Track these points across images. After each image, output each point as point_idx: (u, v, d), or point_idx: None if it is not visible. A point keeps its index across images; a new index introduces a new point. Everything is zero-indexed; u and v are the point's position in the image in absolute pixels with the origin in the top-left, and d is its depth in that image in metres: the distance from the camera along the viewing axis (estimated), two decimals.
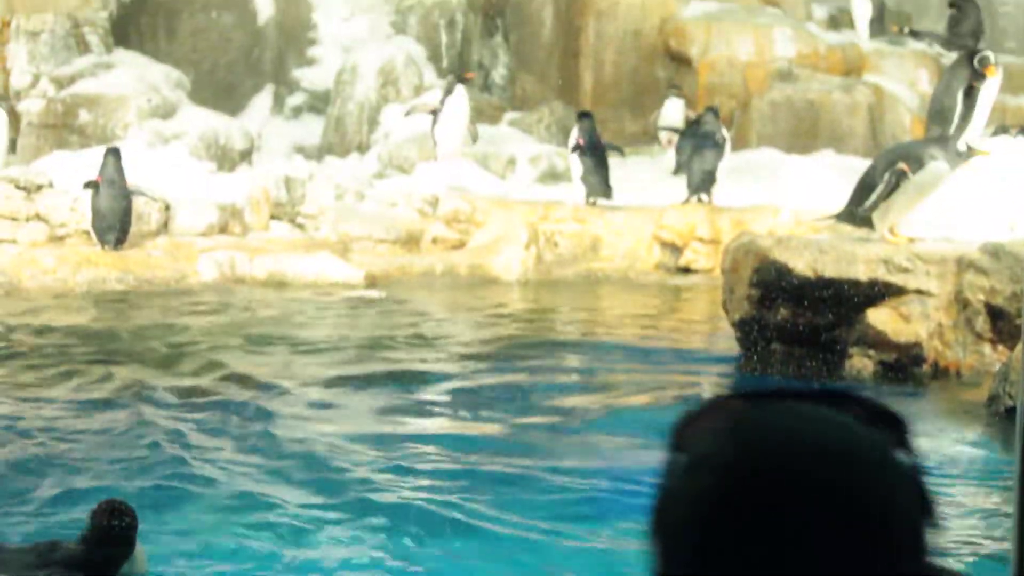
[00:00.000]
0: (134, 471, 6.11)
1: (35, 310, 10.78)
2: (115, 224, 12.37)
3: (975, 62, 9.88)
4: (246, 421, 7.17)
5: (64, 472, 6.10)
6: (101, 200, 12.38)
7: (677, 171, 14.24)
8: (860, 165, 15.12)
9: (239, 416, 7.26)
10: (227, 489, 5.89)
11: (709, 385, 8.53)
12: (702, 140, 13.71)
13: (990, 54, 10.03)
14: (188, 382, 8.13)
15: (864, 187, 8.83)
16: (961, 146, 8.61)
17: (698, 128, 14.31)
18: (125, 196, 12.44)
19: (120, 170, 12.62)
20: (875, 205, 8.59)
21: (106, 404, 7.52)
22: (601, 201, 13.62)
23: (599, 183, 13.57)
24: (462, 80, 14.93)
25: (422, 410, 7.61)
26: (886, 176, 8.56)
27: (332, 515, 5.55)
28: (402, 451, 6.59)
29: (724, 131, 13.92)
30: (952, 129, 10.05)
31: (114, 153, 12.74)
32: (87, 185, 12.54)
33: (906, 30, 18.98)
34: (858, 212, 8.74)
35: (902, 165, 8.53)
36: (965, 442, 7.01)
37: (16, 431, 6.87)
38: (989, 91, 9.91)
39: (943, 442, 7.08)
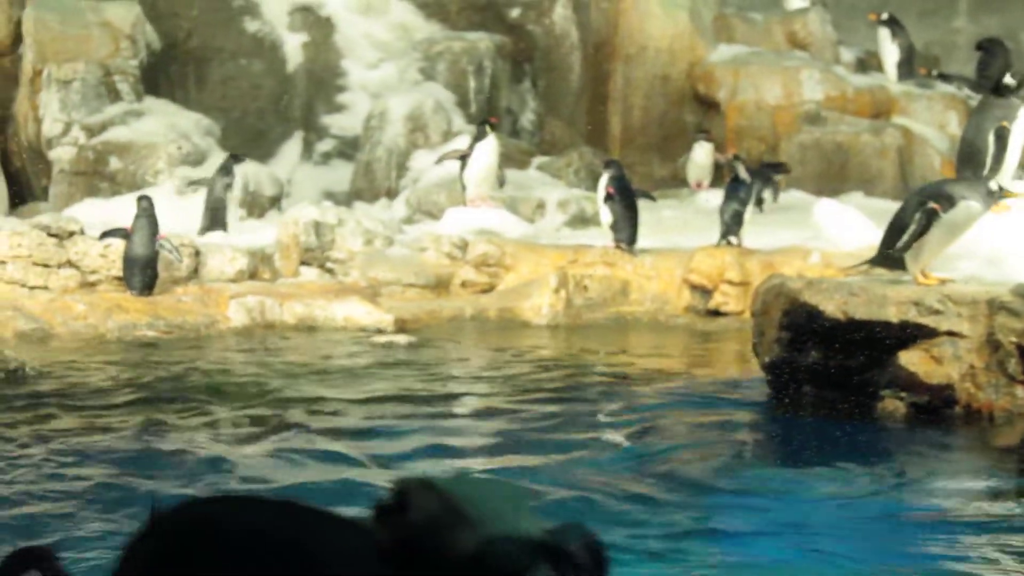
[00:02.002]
0: None
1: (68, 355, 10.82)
2: (144, 271, 12.41)
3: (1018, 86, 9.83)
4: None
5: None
6: (132, 247, 12.45)
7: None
8: (889, 207, 15.13)
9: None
10: None
11: (740, 428, 8.49)
12: (731, 184, 13.72)
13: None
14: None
15: (895, 229, 8.78)
16: (993, 186, 8.57)
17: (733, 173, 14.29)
18: (154, 244, 12.49)
19: (152, 217, 12.69)
20: (908, 245, 8.53)
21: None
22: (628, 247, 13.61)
23: (627, 231, 13.56)
24: (488, 124, 14.97)
25: (456, 451, 7.60)
26: (917, 216, 8.51)
27: None
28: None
29: (744, 172, 13.85)
30: (985, 171, 10.01)
31: (146, 200, 12.82)
32: (105, 235, 12.58)
33: (934, 73, 18.99)
34: (891, 254, 8.69)
35: (933, 204, 8.48)
36: (997, 484, 6.96)
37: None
38: (1020, 130, 9.87)
39: (975, 484, 7.03)
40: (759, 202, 15.81)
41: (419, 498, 1.50)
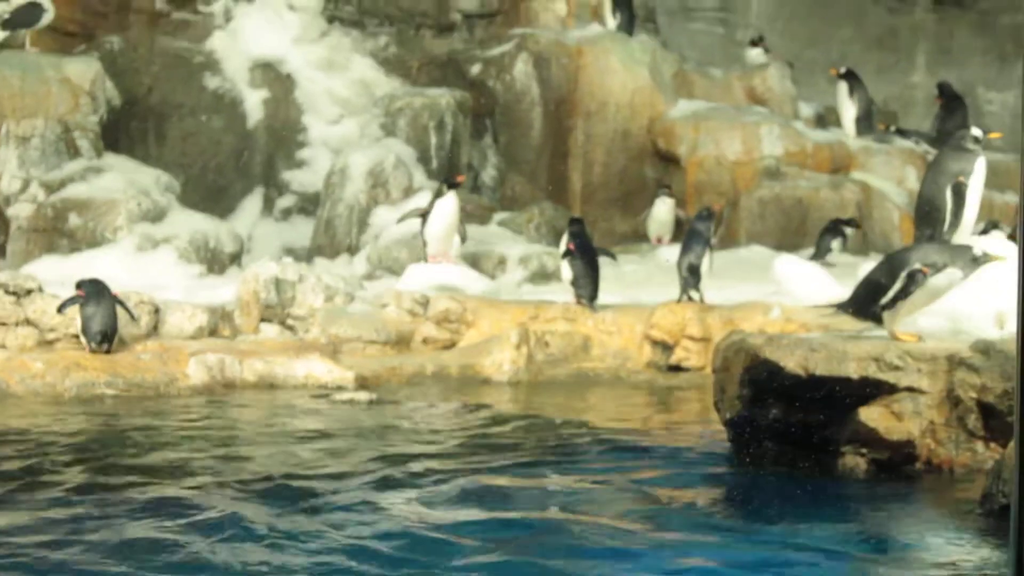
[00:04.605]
0: None
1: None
2: (102, 325, 12.29)
3: (973, 140, 9.85)
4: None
5: None
6: (88, 305, 12.34)
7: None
8: (849, 262, 15.21)
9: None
10: None
11: (701, 484, 8.46)
12: (687, 238, 13.73)
13: (979, 130, 10.03)
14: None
15: (871, 286, 8.75)
16: (978, 251, 8.60)
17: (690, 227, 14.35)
18: (111, 301, 12.39)
19: (96, 281, 12.56)
20: (891, 304, 8.53)
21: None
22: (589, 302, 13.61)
23: (589, 287, 13.58)
24: (452, 184, 14.97)
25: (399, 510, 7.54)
26: (903, 276, 8.49)
27: None
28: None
29: (703, 227, 13.84)
30: (945, 227, 10.03)
31: (80, 284, 12.65)
32: (63, 306, 12.42)
33: (893, 128, 19.12)
34: (869, 310, 8.68)
35: (921, 268, 8.48)
36: (959, 540, 6.95)
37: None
38: (977, 185, 9.89)
39: (938, 540, 7.02)
40: (828, 252, 16.00)
41: None
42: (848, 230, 16.46)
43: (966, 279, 8.58)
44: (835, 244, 16.21)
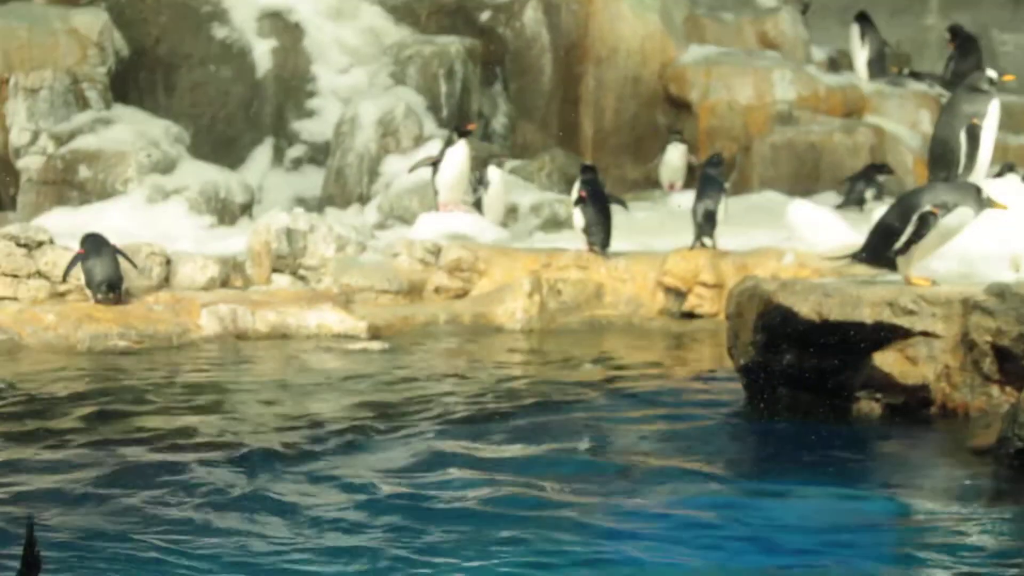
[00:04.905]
0: None
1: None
2: (105, 279, 12.24)
3: (987, 82, 9.78)
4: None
5: None
6: (89, 258, 12.30)
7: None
8: (868, 207, 15.15)
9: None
10: None
11: (714, 432, 8.44)
12: (702, 184, 13.65)
13: (993, 72, 9.96)
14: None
15: (884, 231, 8.69)
16: (987, 193, 8.54)
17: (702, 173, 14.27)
18: (111, 251, 12.35)
19: (96, 235, 12.53)
20: (905, 248, 8.48)
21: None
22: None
23: (601, 234, 13.52)
24: (463, 132, 14.90)
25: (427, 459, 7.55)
26: (915, 219, 8.44)
27: None
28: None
29: (716, 173, 13.76)
30: (959, 169, 9.96)
31: (89, 236, 12.60)
32: (67, 273, 12.41)
33: (906, 71, 19.01)
34: (883, 255, 8.62)
35: (932, 209, 8.42)
36: (974, 484, 6.94)
37: None
38: (991, 126, 9.82)
39: (952, 484, 7.01)
40: (861, 202, 15.87)
41: None
42: (880, 177, 16.31)
43: (978, 218, 8.53)
44: (868, 193, 16.05)
